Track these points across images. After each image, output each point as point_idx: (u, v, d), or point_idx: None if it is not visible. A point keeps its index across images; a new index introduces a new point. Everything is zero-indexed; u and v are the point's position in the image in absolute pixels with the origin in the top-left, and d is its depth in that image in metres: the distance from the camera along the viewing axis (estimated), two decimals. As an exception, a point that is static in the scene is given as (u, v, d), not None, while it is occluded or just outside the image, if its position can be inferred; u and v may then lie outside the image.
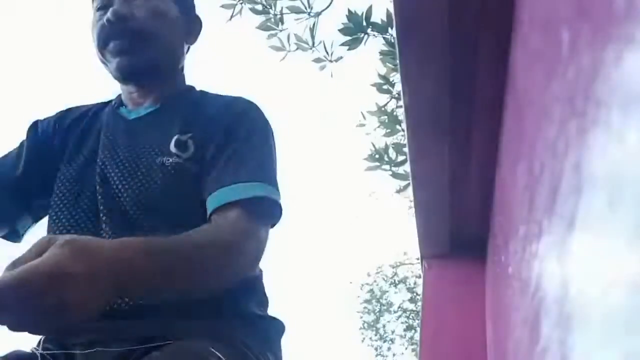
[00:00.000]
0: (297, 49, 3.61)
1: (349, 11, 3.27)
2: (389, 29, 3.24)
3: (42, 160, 1.08)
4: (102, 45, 0.99)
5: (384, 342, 8.69)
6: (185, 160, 0.95)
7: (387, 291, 8.75)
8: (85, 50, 1.05)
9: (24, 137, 1.11)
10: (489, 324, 0.85)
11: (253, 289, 0.95)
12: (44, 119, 1.13)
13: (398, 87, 3.57)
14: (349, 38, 3.33)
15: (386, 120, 3.62)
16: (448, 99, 0.62)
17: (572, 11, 0.30)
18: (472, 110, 0.64)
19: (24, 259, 0.64)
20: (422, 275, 1.00)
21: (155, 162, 0.95)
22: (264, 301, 0.97)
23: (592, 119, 0.25)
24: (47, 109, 1.20)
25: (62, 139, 1.09)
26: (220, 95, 1.09)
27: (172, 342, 0.78)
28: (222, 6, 3.54)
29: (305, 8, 3.55)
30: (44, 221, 1.03)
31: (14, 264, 0.63)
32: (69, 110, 1.16)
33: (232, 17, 3.52)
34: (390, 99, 3.66)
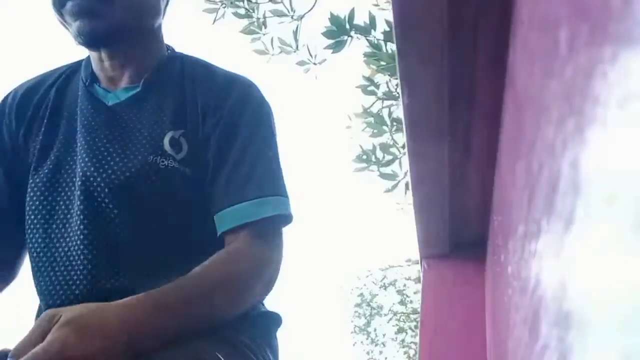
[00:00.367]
0: (280, 52, 3.62)
1: (332, 14, 3.27)
2: (372, 30, 3.26)
3: (11, 174, 0.91)
4: (59, 5, 0.85)
5: (376, 345, 8.68)
6: (179, 162, 0.85)
7: (377, 294, 8.73)
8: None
9: None
10: (488, 324, 0.84)
11: None
12: None
13: (383, 88, 3.58)
14: (332, 41, 3.34)
15: (372, 122, 3.63)
16: (447, 98, 0.62)
17: (571, 11, 0.30)
18: (471, 110, 0.65)
19: (26, 344, 0.60)
20: (421, 276, 1.00)
21: (147, 162, 0.84)
22: None
23: (590, 118, 0.25)
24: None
25: (22, 133, 0.91)
26: (211, 71, 0.94)
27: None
28: (205, 10, 3.54)
29: (288, 11, 3.56)
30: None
31: (17, 350, 0.60)
32: (18, 89, 0.95)
33: (215, 21, 3.52)
34: (376, 100, 3.67)
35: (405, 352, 8.35)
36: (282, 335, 0.96)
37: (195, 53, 1.00)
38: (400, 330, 8.55)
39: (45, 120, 0.91)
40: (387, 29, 3.20)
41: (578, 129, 0.28)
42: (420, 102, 0.63)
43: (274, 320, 0.94)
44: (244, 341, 0.84)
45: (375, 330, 8.77)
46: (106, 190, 0.84)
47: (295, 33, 3.53)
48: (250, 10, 3.57)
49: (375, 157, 3.58)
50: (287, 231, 0.90)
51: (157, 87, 0.91)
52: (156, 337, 0.69)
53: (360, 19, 3.32)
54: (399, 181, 3.60)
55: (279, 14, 3.56)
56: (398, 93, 3.53)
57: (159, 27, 0.94)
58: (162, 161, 0.85)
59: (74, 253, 0.83)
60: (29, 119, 0.92)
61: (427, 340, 0.90)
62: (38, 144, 0.90)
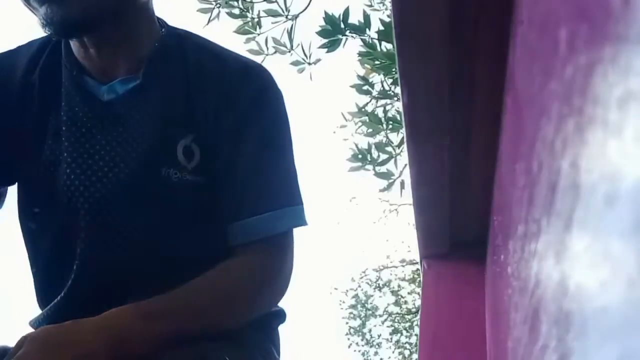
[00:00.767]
0: (275, 52, 3.61)
1: (326, 13, 3.27)
2: (367, 30, 3.26)
3: None
4: None
5: (371, 346, 8.68)
6: (191, 172, 0.77)
7: (372, 295, 8.73)
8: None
9: None
10: (488, 324, 0.84)
11: None
12: None
13: (377, 87, 3.59)
14: (326, 40, 3.34)
15: (367, 121, 3.64)
16: (447, 98, 0.62)
17: (571, 11, 0.30)
18: (471, 110, 0.64)
19: None
20: (421, 275, 1.00)
21: (160, 176, 0.76)
22: None
23: (590, 118, 0.25)
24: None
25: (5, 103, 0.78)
26: (221, 59, 0.82)
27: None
28: (199, 10, 3.53)
29: (283, 11, 3.55)
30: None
31: None
32: None
33: (209, 21, 3.51)
34: (371, 100, 3.68)
35: (400, 353, 8.37)
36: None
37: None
38: (395, 331, 8.56)
39: (35, 104, 0.79)
40: (382, 28, 3.20)
41: (578, 129, 0.28)
42: (420, 102, 0.63)
43: (277, 315, 0.95)
44: (248, 336, 0.84)
45: (370, 331, 8.78)
46: (108, 197, 0.77)
47: (289, 33, 3.53)
48: (245, 11, 3.57)
49: (371, 156, 3.59)
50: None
51: (160, 76, 0.79)
52: (147, 343, 0.68)
53: (355, 19, 3.33)
54: (394, 180, 3.61)
55: (273, 13, 3.55)
56: (393, 92, 3.55)
57: (148, 1, 0.79)
58: (175, 174, 0.76)
59: (75, 270, 0.80)
60: (17, 95, 0.79)
61: (427, 340, 0.90)
62: (30, 133, 0.79)
